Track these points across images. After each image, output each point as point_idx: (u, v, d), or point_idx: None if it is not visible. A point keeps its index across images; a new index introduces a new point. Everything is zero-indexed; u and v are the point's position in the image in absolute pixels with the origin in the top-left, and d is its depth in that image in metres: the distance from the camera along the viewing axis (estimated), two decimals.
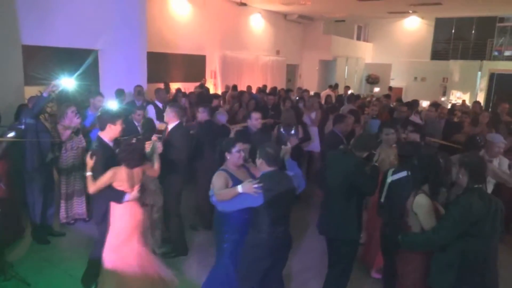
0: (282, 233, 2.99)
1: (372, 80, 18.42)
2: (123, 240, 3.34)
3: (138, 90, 6.92)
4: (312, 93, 10.24)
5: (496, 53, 17.89)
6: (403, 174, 3.31)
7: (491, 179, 4.13)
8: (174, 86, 10.27)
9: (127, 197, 3.32)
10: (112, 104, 5.63)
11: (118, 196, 3.29)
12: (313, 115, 7.47)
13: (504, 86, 16.57)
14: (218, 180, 3.13)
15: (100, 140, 3.54)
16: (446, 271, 2.72)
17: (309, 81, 16.50)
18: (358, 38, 19.68)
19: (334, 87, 12.95)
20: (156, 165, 3.62)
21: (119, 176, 3.27)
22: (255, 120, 4.87)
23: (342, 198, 3.34)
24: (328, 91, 12.43)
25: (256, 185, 2.84)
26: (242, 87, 11.21)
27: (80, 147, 4.92)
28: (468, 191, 2.69)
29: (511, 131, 6.53)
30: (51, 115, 4.78)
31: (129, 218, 3.36)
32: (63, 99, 5.03)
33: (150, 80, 8.29)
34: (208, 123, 4.94)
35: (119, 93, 6.81)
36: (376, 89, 16.98)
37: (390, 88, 16.39)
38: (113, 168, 3.26)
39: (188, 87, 10.64)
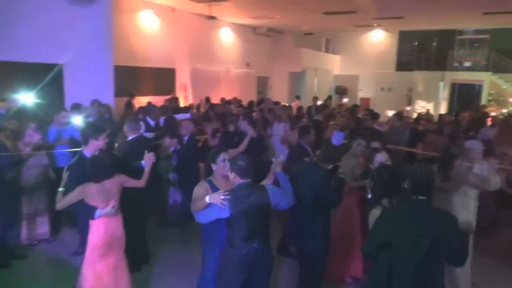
0: (257, 249, 2.87)
1: (341, 91, 18.84)
2: (98, 256, 3.27)
3: (97, 104, 6.78)
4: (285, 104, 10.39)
5: (456, 64, 18.71)
6: None
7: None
8: (143, 99, 10.14)
9: (99, 212, 3.23)
10: (77, 120, 5.49)
11: (90, 212, 3.21)
12: (281, 126, 7.56)
13: (464, 95, 17.36)
14: (196, 190, 3.10)
15: (80, 155, 3.54)
16: (374, 283, 2.66)
17: (280, 93, 16.69)
18: (327, 51, 20.14)
19: (298, 98, 13.32)
20: (144, 176, 3.61)
21: (88, 192, 3.20)
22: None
23: (310, 210, 3.36)
24: (298, 103, 12.62)
25: (222, 197, 2.81)
26: (213, 100, 11.19)
27: (43, 164, 4.75)
28: (405, 202, 2.65)
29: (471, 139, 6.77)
30: (15, 132, 4.61)
31: (103, 234, 3.27)
32: (24, 116, 4.86)
33: (118, 94, 8.16)
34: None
35: (75, 107, 6.59)
36: (345, 100, 17.36)
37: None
38: (84, 184, 3.21)
39: (158, 100, 10.52)
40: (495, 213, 6.41)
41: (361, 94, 19.20)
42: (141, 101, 10.02)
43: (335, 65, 20.14)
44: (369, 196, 3.20)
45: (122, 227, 3.44)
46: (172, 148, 5.26)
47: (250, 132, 5.51)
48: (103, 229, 3.27)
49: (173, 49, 11.63)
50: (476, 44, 18.68)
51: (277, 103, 10.29)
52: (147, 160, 3.71)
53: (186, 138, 5.43)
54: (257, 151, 5.49)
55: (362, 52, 19.54)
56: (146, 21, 10.63)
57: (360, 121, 8.35)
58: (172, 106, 8.87)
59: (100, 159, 3.28)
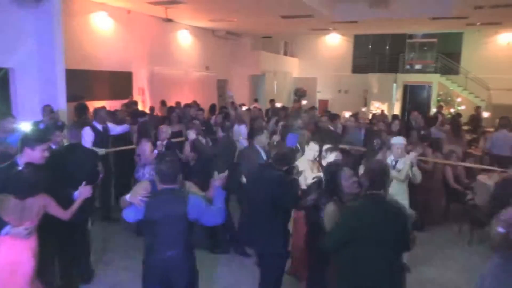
0: (173, 258, 2.78)
1: (300, 93, 19.18)
2: (4, 279, 2.89)
3: (49, 110, 6.52)
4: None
5: (408, 67, 19.62)
6: None
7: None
8: (98, 104, 9.82)
9: (7, 230, 2.87)
10: (25, 126, 5.23)
11: None
12: (242, 127, 7.60)
13: (415, 96, 18.24)
14: (135, 187, 2.97)
15: (12, 162, 3.17)
16: (340, 277, 2.76)
17: (240, 95, 16.73)
18: (285, 54, 20.45)
19: (256, 100, 13.48)
20: (71, 209, 3.23)
21: (4, 205, 2.88)
22: None
23: (268, 212, 3.39)
24: (257, 105, 12.73)
25: (140, 197, 2.76)
26: (172, 103, 11.05)
27: None
28: (363, 197, 2.77)
29: (422, 137, 7.10)
30: None
31: (5, 256, 2.90)
32: None
33: (71, 99, 7.85)
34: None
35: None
36: (304, 102, 17.69)
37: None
38: (1, 194, 2.90)
39: (114, 105, 10.25)
40: (444, 207, 6.79)
41: (320, 96, 19.66)
42: (96, 105, 9.70)
43: (294, 68, 20.48)
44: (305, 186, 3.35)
45: (29, 254, 3.00)
46: (155, 152, 5.28)
47: (191, 136, 5.61)
48: (6, 249, 2.90)
49: (129, 52, 11.37)
50: (425, 48, 19.67)
51: (242, 105, 10.35)
52: (82, 192, 3.34)
53: (165, 142, 5.55)
54: (228, 155, 5.48)
55: (320, 55, 20.01)
56: (100, 24, 10.32)
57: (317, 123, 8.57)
58: (132, 111, 8.65)
59: (24, 176, 2.93)
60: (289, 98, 19.55)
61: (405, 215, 2.69)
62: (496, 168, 6.27)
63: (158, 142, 5.52)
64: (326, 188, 3.16)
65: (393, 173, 4.30)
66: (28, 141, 3.20)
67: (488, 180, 6.03)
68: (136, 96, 11.59)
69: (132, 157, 5.96)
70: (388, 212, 2.64)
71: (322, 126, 7.52)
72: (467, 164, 6.87)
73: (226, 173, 3.12)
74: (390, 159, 4.64)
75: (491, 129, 9.81)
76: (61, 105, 7.16)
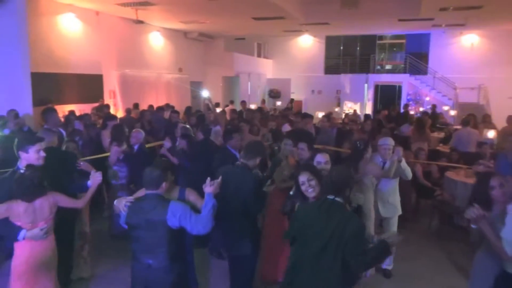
0: (153, 267, 2.76)
1: (274, 94, 19.30)
2: (25, 283, 2.95)
3: (14, 114, 6.30)
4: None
5: (378, 67, 20.10)
6: None
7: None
8: (68, 108, 9.58)
9: (23, 234, 2.91)
10: None
11: (13, 233, 2.89)
12: (217, 129, 7.55)
13: (386, 95, 18.67)
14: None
15: (14, 169, 3.20)
16: (285, 274, 2.87)
17: (214, 97, 16.64)
18: (259, 55, 20.52)
19: (232, 102, 13.46)
20: (86, 197, 3.35)
21: (15, 211, 2.90)
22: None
23: (238, 213, 3.38)
24: (231, 106, 12.72)
25: (124, 202, 2.77)
26: (145, 106, 10.89)
27: None
28: (318, 200, 2.80)
29: (394, 136, 7.27)
30: None
31: (27, 259, 2.95)
32: None
33: (38, 103, 7.62)
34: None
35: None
36: (278, 103, 17.80)
37: (292, 101, 17.37)
38: (10, 201, 2.91)
39: (84, 108, 10.01)
40: (415, 203, 6.98)
41: (294, 97, 19.82)
42: (65, 109, 9.45)
43: (268, 69, 20.58)
44: (291, 192, 3.33)
45: (52, 250, 3.13)
46: (120, 157, 5.23)
47: (167, 144, 5.72)
48: (27, 253, 2.95)
49: (99, 55, 11.12)
50: (394, 49, 20.21)
51: (217, 104, 10.28)
52: (94, 180, 3.37)
53: (136, 146, 5.52)
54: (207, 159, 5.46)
55: (293, 56, 20.20)
56: (68, 25, 10.05)
57: (293, 123, 8.65)
58: (103, 114, 8.44)
59: (27, 178, 2.94)
60: (264, 99, 19.62)
61: (355, 224, 2.53)
62: (461, 166, 6.51)
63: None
64: (296, 192, 3.19)
65: (375, 171, 4.40)
66: (20, 145, 3.19)
67: (455, 176, 6.25)
68: (107, 99, 11.35)
69: (103, 162, 5.82)
70: (332, 218, 2.56)
71: (297, 126, 7.58)
72: (432, 162, 7.10)
73: (219, 179, 3.01)
74: (378, 160, 4.66)
75: (458, 127, 10.16)
76: (27, 109, 6.93)
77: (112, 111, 10.95)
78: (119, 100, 11.83)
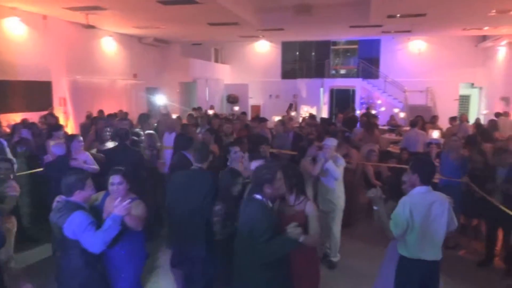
0: (61, 266, 2.99)
1: (232, 99, 19.35)
2: None
3: None
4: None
5: (333, 72, 20.70)
6: None
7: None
8: (14, 117, 9.10)
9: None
10: None
11: None
12: (173, 136, 7.44)
13: (341, 99, 19.26)
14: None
15: None
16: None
17: (171, 103, 16.43)
18: (216, 60, 20.50)
19: (194, 109, 13.28)
20: None
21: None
22: None
23: (197, 218, 3.39)
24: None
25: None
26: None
27: None
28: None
29: (345, 139, 7.51)
30: None
31: None
32: None
33: None
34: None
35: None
36: (236, 108, 17.85)
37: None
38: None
39: (33, 116, 9.53)
40: (367, 203, 7.22)
41: (252, 101, 19.98)
42: (11, 118, 8.97)
43: (225, 74, 20.60)
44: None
45: None
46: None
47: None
48: None
49: (48, 61, 10.65)
50: (348, 54, 20.90)
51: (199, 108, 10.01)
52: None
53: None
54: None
55: (250, 62, 20.36)
56: (12, 30, 9.55)
57: (249, 128, 8.70)
58: (47, 123, 8.07)
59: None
60: (222, 104, 19.61)
61: (255, 216, 2.85)
62: (405, 166, 6.82)
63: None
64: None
65: (313, 171, 4.74)
66: None
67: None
68: (57, 107, 10.89)
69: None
70: (246, 212, 2.93)
71: (253, 131, 7.65)
72: (381, 164, 7.39)
73: (127, 202, 2.95)
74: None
75: (408, 128, 10.66)
76: None
77: (62, 119, 10.53)
78: (70, 107, 11.38)
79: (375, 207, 3.28)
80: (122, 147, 5.44)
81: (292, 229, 2.75)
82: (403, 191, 3.43)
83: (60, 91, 11.15)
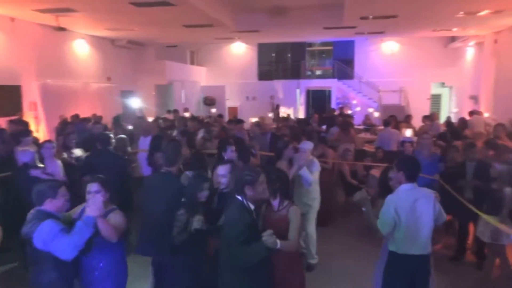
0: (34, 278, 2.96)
1: (209, 101, 19.24)
2: None
3: None
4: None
5: (309, 73, 20.90)
6: None
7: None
8: None
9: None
10: None
11: None
12: (148, 140, 7.35)
13: (317, 100, 19.49)
14: None
15: None
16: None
17: (147, 106, 16.21)
18: (192, 63, 20.36)
19: (169, 111, 13.19)
20: None
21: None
22: None
23: (163, 220, 3.33)
24: (169, 116, 12.45)
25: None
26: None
27: None
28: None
29: (321, 139, 7.58)
30: None
31: None
32: None
33: None
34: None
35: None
36: (213, 110, 17.76)
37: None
38: None
39: (0, 122, 9.19)
40: (344, 201, 7.32)
41: (229, 103, 19.94)
42: None
43: (202, 76, 20.49)
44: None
45: None
46: None
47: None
48: None
49: (16, 64, 10.31)
50: (323, 55, 21.16)
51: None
52: None
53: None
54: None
55: (226, 64, 20.33)
56: None
57: (226, 129, 8.67)
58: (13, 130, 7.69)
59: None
60: (199, 107, 19.48)
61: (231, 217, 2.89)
62: (380, 164, 6.96)
63: None
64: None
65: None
66: None
67: (378, 173, 6.67)
68: (27, 112, 10.55)
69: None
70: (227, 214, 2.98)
71: (229, 133, 7.62)
72: (357, 163, 7.53)
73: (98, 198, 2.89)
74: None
75: (382, 127, 10.86)
76: None
77: (33, 124, 10.21)
78: (41, 112, 11.05)
79: (363, 209, 3.35)
80: (106, 152, 5.30)
81: (267, 237, 2.72)
82: (391, 188, 3.54)
83: (31, 95, 10.81)
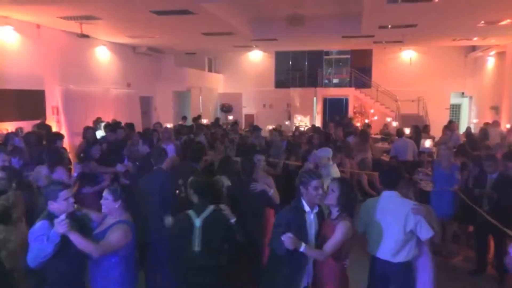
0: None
1: (226, 108, 19.40)
2: None
3: None
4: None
5: (326, 81, 20.87)
6: None
7: None
8: (6, 126, 9.04)
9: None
10: None
11: None
12: (170, 147, 7.46)
13: (334, 108, 19.40)
14: None
15: None
16: None
17: (165, 112, 16.45)
18: (210, 70, 20.59)
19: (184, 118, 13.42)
20: None
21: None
22: None
23: (159, 214, 3.75)
24: (184, 122, 12.64)
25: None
26: (90, 123, 10.52)
27: None
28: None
29: (339, 148, 7.57)
30: None
31: None
32: None
33: None
34: None
35: None
36: (230, 117, 17.90)
37: None
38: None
39: (25, 126, 9.47)
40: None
41: (245, 111, 20.04)
42: (3, 127, 8.92)
43: (219, 83, 20.68)
44: None
45: None
46: None
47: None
48: None
49: (40, 69, 10.62)
50: (340, 63, 21.09)
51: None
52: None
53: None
54: None
55: (244, 71, 20.47)
56: (5, 38, 9.54)
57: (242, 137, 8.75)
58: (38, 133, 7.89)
59: None
60: (216, 114, 19.65)
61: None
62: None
63: None
64: None
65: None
66: None
67: None
68: (50, 116, 10.83)
69: None
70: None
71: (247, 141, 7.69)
72: (375, 173, 7.46)
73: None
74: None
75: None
76: None
77: (55, 128, 10.47)
78: (63, 116, 11.32)
79: None
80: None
81: (285, 238, 2.88)
82: None
83: (53, 100, 11.11)
